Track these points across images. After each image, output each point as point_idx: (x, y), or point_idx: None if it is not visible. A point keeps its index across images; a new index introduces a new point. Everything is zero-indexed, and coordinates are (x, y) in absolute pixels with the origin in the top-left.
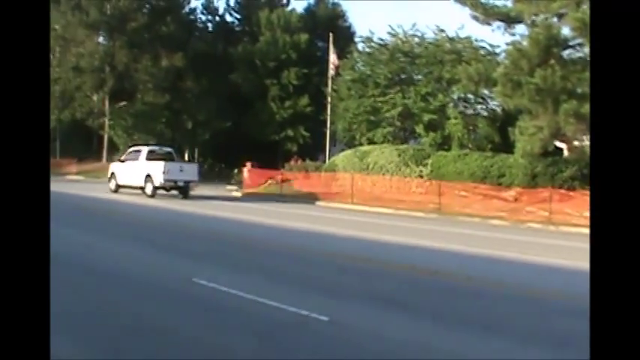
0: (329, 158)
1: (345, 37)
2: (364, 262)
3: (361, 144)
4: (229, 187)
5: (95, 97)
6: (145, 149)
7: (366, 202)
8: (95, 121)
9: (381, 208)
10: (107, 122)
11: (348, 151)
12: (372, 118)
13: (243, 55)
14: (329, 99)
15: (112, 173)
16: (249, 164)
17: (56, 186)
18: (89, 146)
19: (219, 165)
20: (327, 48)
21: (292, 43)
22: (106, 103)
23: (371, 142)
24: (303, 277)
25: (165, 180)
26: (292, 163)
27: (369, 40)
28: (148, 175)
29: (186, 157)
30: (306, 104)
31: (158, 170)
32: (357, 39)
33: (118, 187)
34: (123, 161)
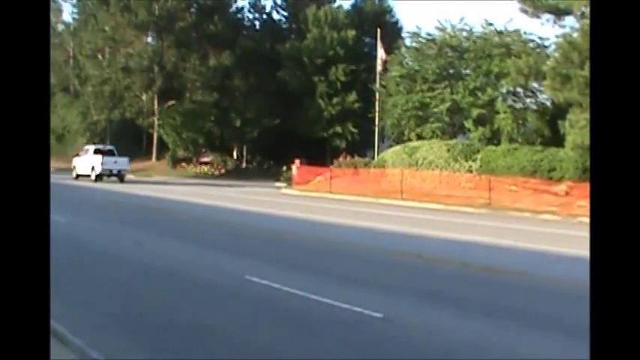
0: (378, 154)
1: (392, 33)
2: (415, 258)
3: (410, 140)
4: (278, 184)
5: (144, 97)
6: (92, 147)
7: (416, 198)
8: (144, 121)
9: (431, 203)
10: (156, 121)
11: (397, 147)
12: (420, 113)
13: (291, 52)
14: (377, 95)
15: (74, 166)
16: (297, 161)
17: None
18: (139, 145)
19: (268, 162)
20: (375, 44)
21: (339, 39)
22: (155, 102)
23: (420, 137)
24: (355, 273)
25: (103, 169)
26: (341, 159)
27: (416, 35)
28: (93, 167)
29: (235, 155)
30: (354, 100)
31: (98, 162)
32: (404, 34)
33: (78, 175)
34: (79, 156)
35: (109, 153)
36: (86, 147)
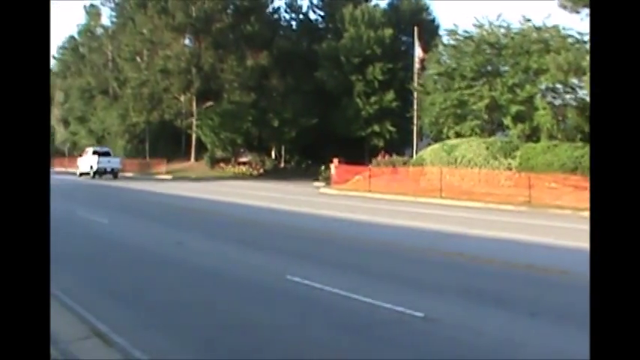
0: (416, 153)
1: (429, 31)
2: (456, 257)
3: (448, 137)
4: (316, 183)
5: (182, 98)
6: (90, 149)
7: (455, 197)
8: (183, 122)
9: (470, 202)
10: (194, 122)
11: (436, 145)
12: (458, 111)
13: (328, 51)
14: (415, 93)
15: (77, 165)
16: (336, 160)
17: (147, 185)
18: (178, 146)
19: (306, 162)
20: (412, 42)
21: (376, 38)
22: (193, 103)
23: (458, 135)
24: (396, 272)
25: (99, 167)
26: (379, 158)
27: (454, 32)
28: (91, 166)
29: (273, 155)
30: (392, 99)
31: (94, 162)
32: (441, 32)
33: (81, 174)
34: (82, 157)
35: (105, 154)
36: (87, 149)
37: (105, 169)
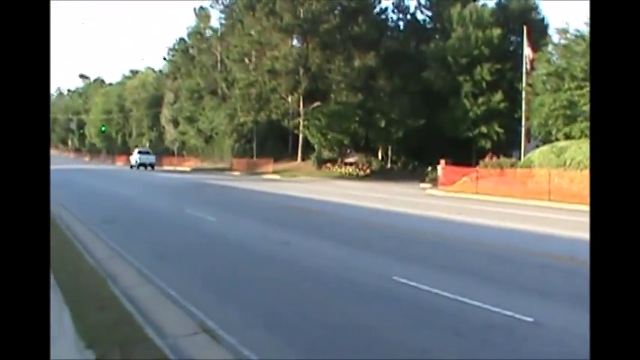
0: (524, 155)
1: (538, 30)
2: (567, 261)
3: (557, 139)
4: (423, 184)
5: (290, 99)
6: (137, 149)
7: (564, 199)
8: (290, 122)
9: (580, 205)
10: (302, 123)
11: (544, 147)
12: (568, 112)
13: (435, 52)
14: (524, 94)
15: (129, 160)
16: (443, 162)
17: (254, 184)
18: (284, 146)
19: (413, 163)
20: (521, 42)
21: (485, 38)
22: (301, 104)
23: (568, 137)
24: (504, 275)
25: (138, 162)
26: (487, 160)
27: (564, 31)
28: (135, 160)
29: (380, 156)
30: (500, 100)
31: (137, 157)
32: (551, 32)
33: (132, 166)
34: (131, 154)
35: (145, 152)
36: (135, 149)
37: (144, 163)
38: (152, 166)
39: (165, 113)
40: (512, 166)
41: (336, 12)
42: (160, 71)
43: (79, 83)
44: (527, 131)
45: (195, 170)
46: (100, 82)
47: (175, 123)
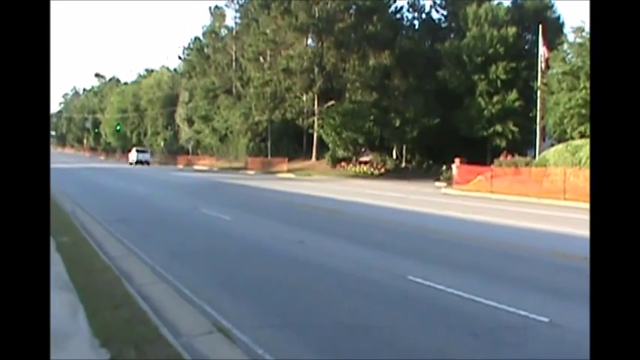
0: (539, 153)
1: (554, 29)
2: (582, 261)
3: (572, 138)
4: (438, 183)
5: (305, 98)
6: (135, 148)
7: (580, 198)
8: (305, 121)
9: None
10: (316, 121)
11: (560, 146)
12: (583, 111)
13: (450, 51)
14: (539, 93)
15: (128, 157)
16: (457, 160)
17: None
18: (299, 145)
19: (428, 162)
20: (536, 41)
21: (500, 37)
22: (315, 102)
23: (583, 136)
24: (519, 275)
25: (135, 160)
26: (501, 158)
27: (580, 30)
28: (133, 158)
29: (394, 155)
30: (515, 99)
31: (134, 156)
32: (566, 30)
33: (130, 163)
34: (130, 152)
35: (142, 151)
36: (133, 148)
37: (140, 160)
38: (147, 162)
39: (180, 112)
40: (527, 164)
41: (351, 11)
42: (175, 70)
43: (95, 82)
44: (542, 130)
45: (210, 169)
46: (115, 81)
47: (190, 122)
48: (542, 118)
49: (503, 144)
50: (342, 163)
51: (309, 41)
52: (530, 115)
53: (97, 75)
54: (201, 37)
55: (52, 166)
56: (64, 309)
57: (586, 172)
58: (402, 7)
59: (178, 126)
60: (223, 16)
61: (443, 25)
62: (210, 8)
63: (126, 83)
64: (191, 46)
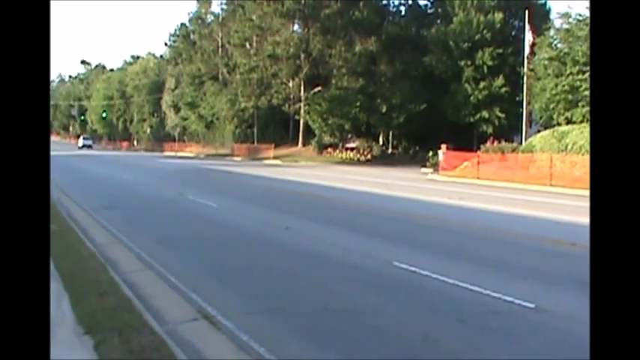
0: (525, 139)
1: (540, 15)
2: (568, 247)
3: (559, 124)
4: (424, 169)
5: (291, 84)
6: (81, 136)
7: (566, 184)
8: (291, 107)
9: (582, 190)
10: (302, 108)
11: (546, 132)
12: (570, 97)
13: (437, 37)
14: (525, 79)
15: (77, 142)
16: (444, 147)
17: (255, 169)
18: (285, 131)
19: (414, 148)
20: (523, 26)
21: (486, 22)
22: (302, 89)
23: (569, 122)
24: (505, 261)
25: (82, 144)
26: (488, 145)
27: (567, 16)
28: (80, 143)
29: (381, 141)
30: (501, 85)
31: (81, 141)
32: (553, 16)
33: (79, 147)
34: (78, 138)
35: (87, 138)
36: (80, 136)
37: (85, 145)
38: (90, 147)
39: (167, 99)
40: (513, 150)
41: None
42: (162, 57)
43: (81, 69)
44: (529, 116)
45: (196, 156)
46: (101, 68)
47: (176, 109)
48: (528, 104)
49: (490, 130)
50: (329, 150)
51: (296, 27)
52: (517, 100)
53: (82, 62)
54: (187, 24)
55: None
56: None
57: (572, 158)
58: None
59: (164, 113)
60: (209, 2)
61: (429, 11)
62: None
63: (112, 70)
64: (177, 32)
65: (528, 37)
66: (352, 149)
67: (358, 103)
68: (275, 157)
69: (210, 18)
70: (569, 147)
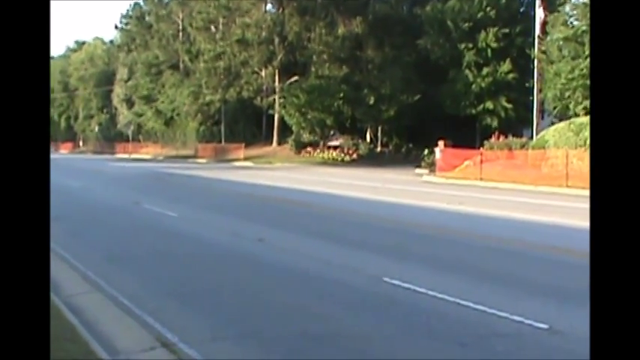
0: (537, 133)
1: None
2: (586, 258)
3: (576, 115)
4: (419, 170)
5: (264, 73)
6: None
7: (584, 185)
8: (264, 100)
9: None
10: (277, 101)
11: (561, 124)
12: (589, 82)
13: (433, 16)
14: (536, 62)
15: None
16: (441, 143)
17: (222, 173)
18: (258, 128)
19: (407, 145)
20: (533, 1)
21: None
22: (276, 79)
23: (588, 112)
24: (512, 275)
25: None
26: (493, 140)
27: None
28: None
29: (368, 138)
30: (508, 70)
31: None
32: None
33: None
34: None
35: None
36: None
37: None
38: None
39: (118, 92)
40: (522, 147)
41: None
42: (112, 42)
43: None
44: (541, 106)
45: (154, 158)
46: None
47: (130, 103)
48: (540, 91)
49: (495, 123)
50: (308, 149)
51: (269, 7)
52: (527, 87)
53: None
54: (142, 3)
55: None
56: None
57: None
58: None
59: (116, 108)
60: None
61: None
62: None
63: (52, 58)
64: (130, 13)
65: (539, 13)
66: (335, 148)
67: (342, 95)
68: (246, 159)
69: None
70: (589, 142)
